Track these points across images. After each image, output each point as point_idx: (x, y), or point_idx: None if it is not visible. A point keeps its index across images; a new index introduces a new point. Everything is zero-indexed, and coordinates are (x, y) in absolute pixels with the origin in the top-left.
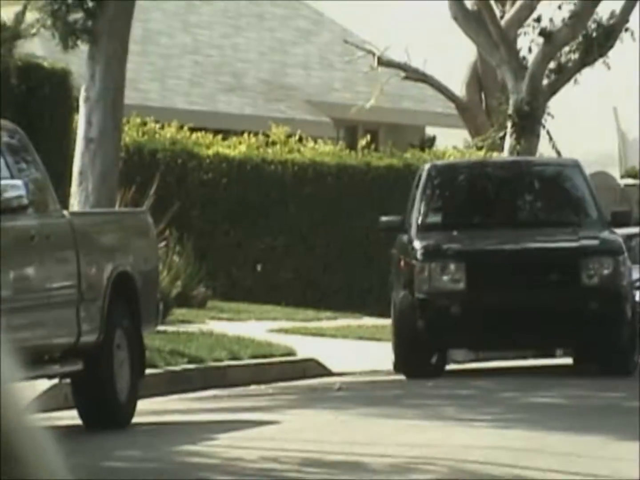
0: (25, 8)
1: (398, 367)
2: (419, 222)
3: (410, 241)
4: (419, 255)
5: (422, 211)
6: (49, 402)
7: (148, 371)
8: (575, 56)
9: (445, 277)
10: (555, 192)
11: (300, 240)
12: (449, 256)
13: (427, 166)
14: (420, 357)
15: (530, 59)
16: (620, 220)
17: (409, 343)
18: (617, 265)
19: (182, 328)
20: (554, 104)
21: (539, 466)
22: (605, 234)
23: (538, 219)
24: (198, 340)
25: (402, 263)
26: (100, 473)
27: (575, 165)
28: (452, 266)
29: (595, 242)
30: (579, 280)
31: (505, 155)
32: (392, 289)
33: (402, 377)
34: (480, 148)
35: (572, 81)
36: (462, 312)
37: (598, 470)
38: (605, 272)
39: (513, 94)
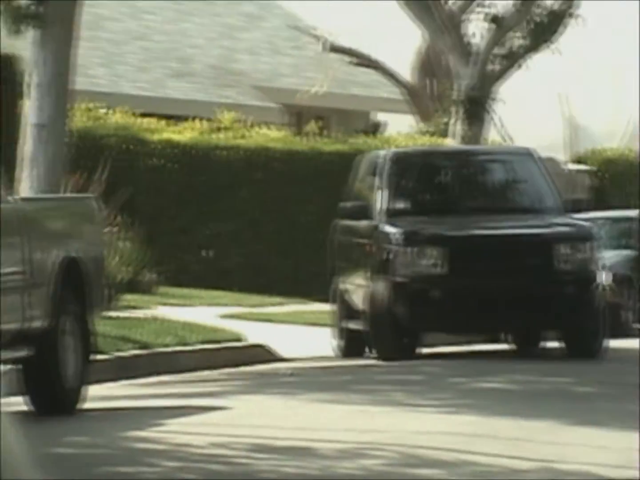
0: None
1: (373, 350)
2: (386, 208)
3: (377, 227)
4: (397, 240)
5: (387, 197)
6: (2, 388)
7: (97, 357)
8: (522, 42)
9: (424, 262)
10: (515, 179)
11: (249, 225)
12: (428, 241)
13: (388, 153)
14: (397, 340)
15: (477, 44)
16: (577, 207)
17: (386, 326)
18: (590, 251)
19: (131, 314)
20: (502, 89)
21: (488, 451)
22: (575, 220)
23: (502, 205)
24: (147, 326)
25: (369, 248)
26: (49, 459)
27: (533, 154)
28: (431, 251)
29: (568, 228)
30: (553, 265)
31: (451, 141)
32: (334, 274)
33: (348, 362)
34: (431, 133)
35: (520, 67)
36: (442, 296)
37: (546, 455)
38: (580, 257)
39: (460, 79)
